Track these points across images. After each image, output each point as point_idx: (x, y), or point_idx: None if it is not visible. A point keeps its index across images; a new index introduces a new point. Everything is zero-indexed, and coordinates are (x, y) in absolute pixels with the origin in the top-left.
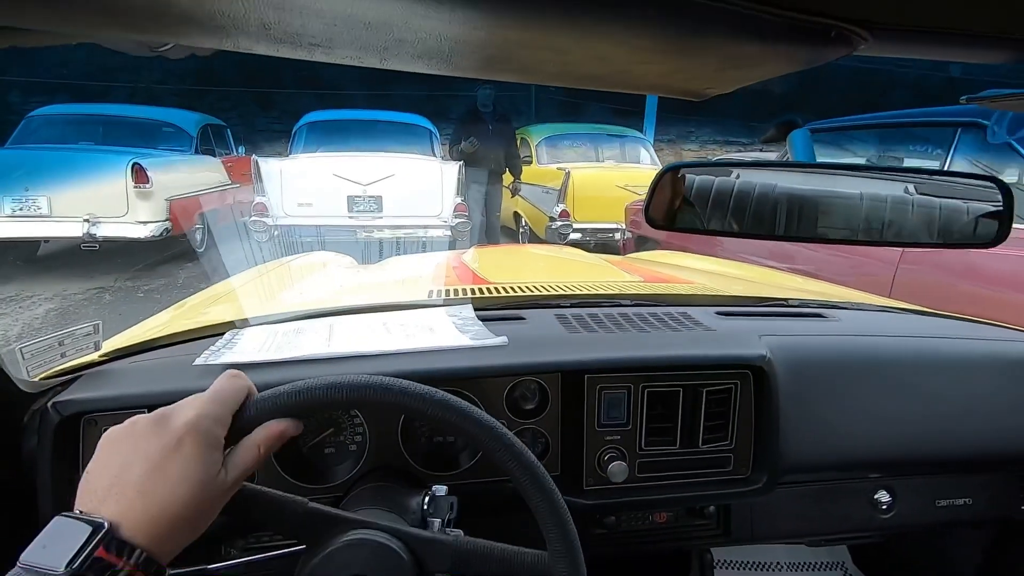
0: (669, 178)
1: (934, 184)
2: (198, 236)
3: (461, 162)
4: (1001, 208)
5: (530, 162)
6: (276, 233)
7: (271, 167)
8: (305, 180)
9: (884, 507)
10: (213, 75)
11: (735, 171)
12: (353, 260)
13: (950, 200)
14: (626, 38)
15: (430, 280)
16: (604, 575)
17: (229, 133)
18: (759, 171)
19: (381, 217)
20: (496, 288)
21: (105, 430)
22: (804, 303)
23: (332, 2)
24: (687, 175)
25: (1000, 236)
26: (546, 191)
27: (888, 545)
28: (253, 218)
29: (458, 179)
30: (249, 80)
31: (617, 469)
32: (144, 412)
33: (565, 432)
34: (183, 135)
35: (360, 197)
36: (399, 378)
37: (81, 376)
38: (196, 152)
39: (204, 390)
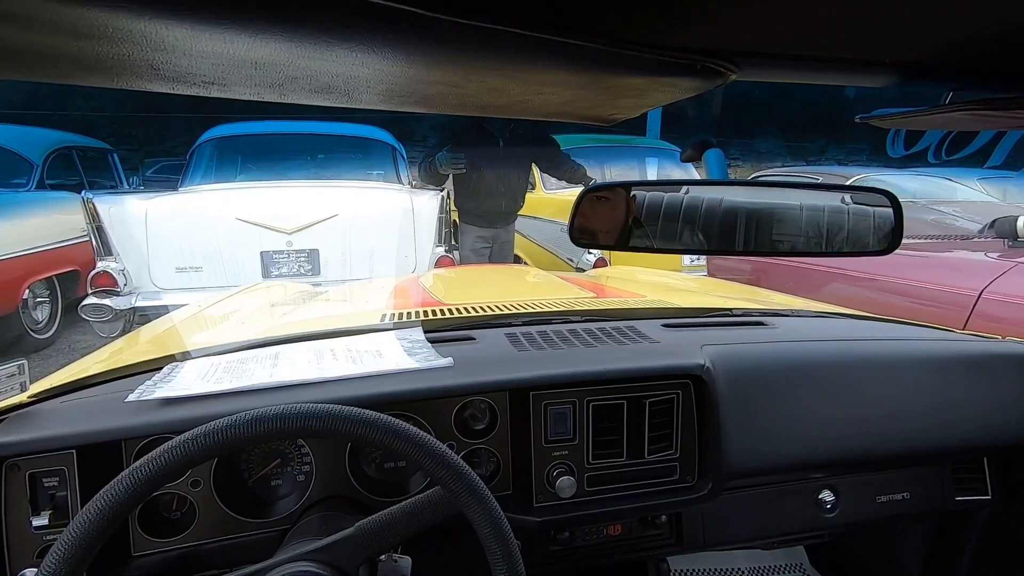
0: (591, 199)
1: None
2: (37, 314)
3: (443, 192)
4: (893, 220)
5: (533, 187)
6: (132, 318)
7: (126, 211)
8: (191, 229)
9: (828, 506)
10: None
11: (684, 188)
12: (307, 286)
13: (881, 209)
14: (514, 74)
15: (382, 304)
16: None
17: (115, 158)
18: (707, 188)
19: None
20: (448, 310)
21: (29, 474)
22: (746, 312)
23: (214, 44)
24: (636, 193)
25: (893, 244)
26: (562, 228)
27: (841, 544)
28: (89, 300)
29: (439, 217)
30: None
31: (565, 484)
32: (71, 453)
33: (515, 450)
34: (20, 163)
35: (282, 253)
36: (324, 404)
37: (6, 419)
38: (40, 188)
39: (137, 427)
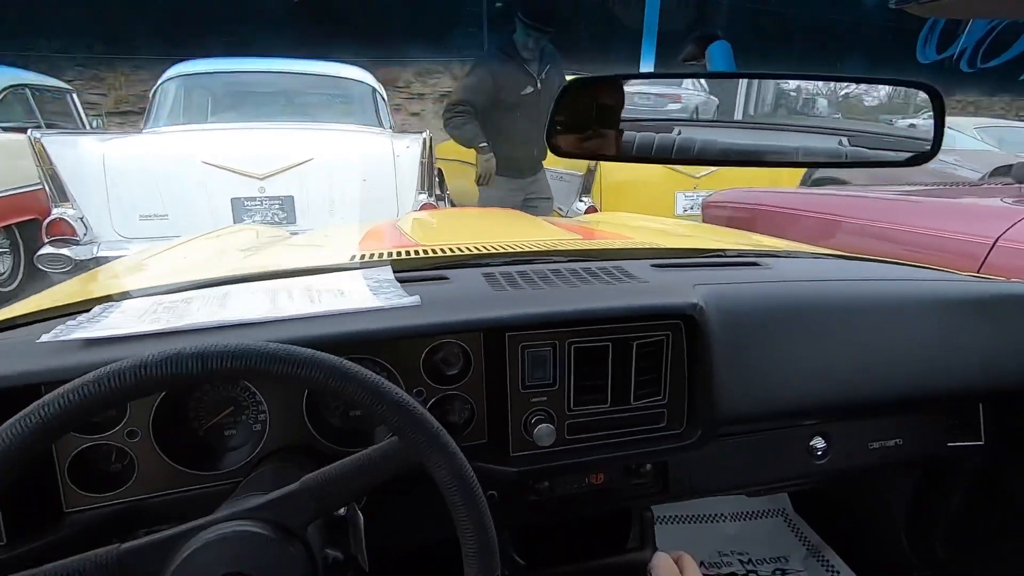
0: (573, 94)
1: (866, 137)
2: None
3: (425, 136)
4: (934, 121)
5: None
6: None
7: (83, 154)
8: (153, 174)
9: (820, 453)
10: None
11: (676, 128)
12: (281, 230)
13: (881, 151)
14: None
15: (355, 245)
16: (543, 542)
17: (74, 100)
18: (700, 128)
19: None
20: (422, 250)
21: None
22: (740, 253)
23: None
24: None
25: (935, 145)
26: (560, 177)
27: (825, 490)
28: (46, 250)
29: (422, 163)
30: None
31: (544, 432)
32: None
33: (491, 397)
34: None
35: (254, 200)
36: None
37: None
38: None
39: (45, 371)
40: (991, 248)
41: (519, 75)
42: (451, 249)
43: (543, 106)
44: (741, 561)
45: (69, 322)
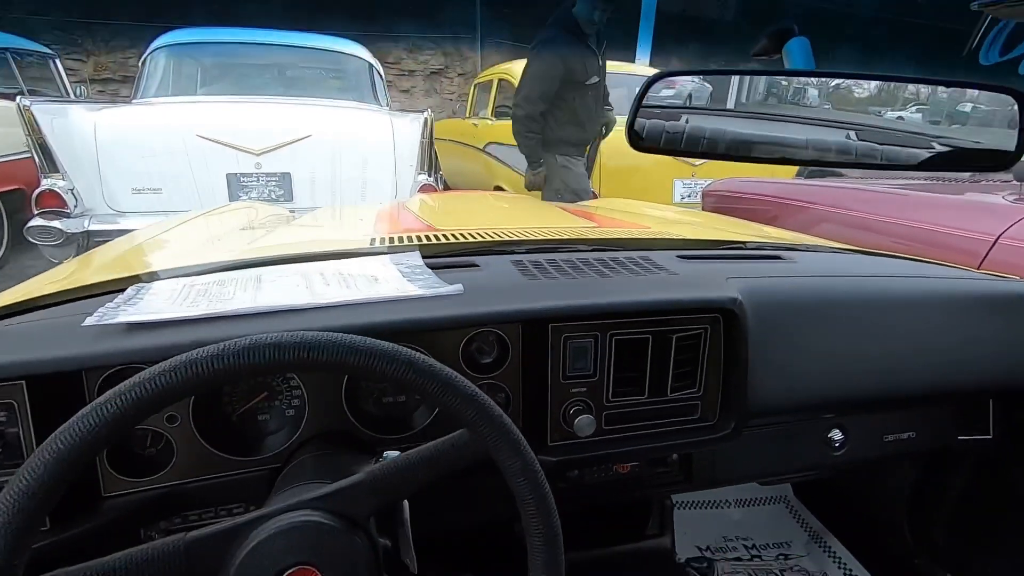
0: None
1: (873, 131)
2: None
3: (426, 115)
4: (1020, 124)
5: None
6: (85, 243)
7: (73, 123)
8: (147, 146)
9: (837, 444)
10: None
11: (684, 116)
12: (280, 209)
13: (890, 147)
14: None
15: (371, 228)
16: (565, 527)
17: (58, 65)
18: (708, 117)
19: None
20: (446, 234)
21: None
22: (760, 245)
23: None
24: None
25: (1016, 155)
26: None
27: (827, 478)
28: (35, 222)
29: (421, 143)
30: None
31: (584, 422)
32: (20, 384)
33: (527, 386)
34: None
35: (251, 176)
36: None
37: None
38: None
39: (98, 356)
40: (992, 245)
41: (585, 53)
42: (472, 235)
43: (602, 84)
44: (745, 546)
45: (108, 304)
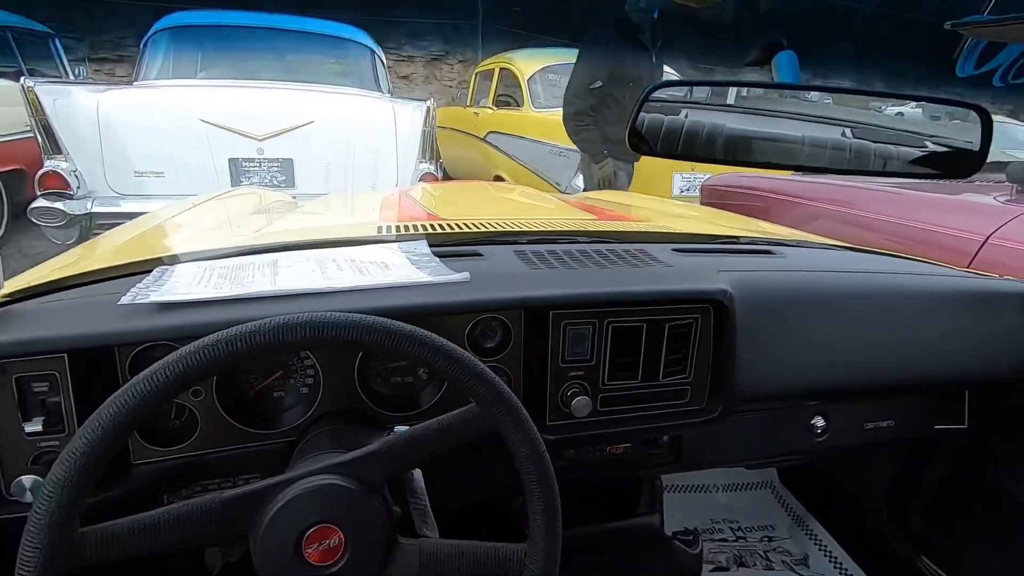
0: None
1: (869, 129)
2: None
3: (429, 104)
4: (981, 138)
5: (519, 104)
6: (88, 225)
7: (76, 104)
8: (150, 129)
9: (819, 431)
10: None
11: (684, 111)
12: (284, 195)
13: (883, 145)
14: None
15: (377, 216)
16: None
17: (57, 45)
18: (707, 111)
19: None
20: (450, 224)
21: (17, 378)
22: (753, 240)
23: None
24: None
25: (975, 165)
26: (559, 152)
27: (811, 464)
28: (39, 203)
29: (423, 131)
30: None
31: (581, 404)
32: (63, 357)
33: (528, 369)
34: None
35: (253, 162)
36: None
37: None
38: None
39: (135, 332)
40: (982, 245)
41: (635, 49)
42: (476, 224)
43: (657, 78)
44: (732, 528)
45: (139, 285)
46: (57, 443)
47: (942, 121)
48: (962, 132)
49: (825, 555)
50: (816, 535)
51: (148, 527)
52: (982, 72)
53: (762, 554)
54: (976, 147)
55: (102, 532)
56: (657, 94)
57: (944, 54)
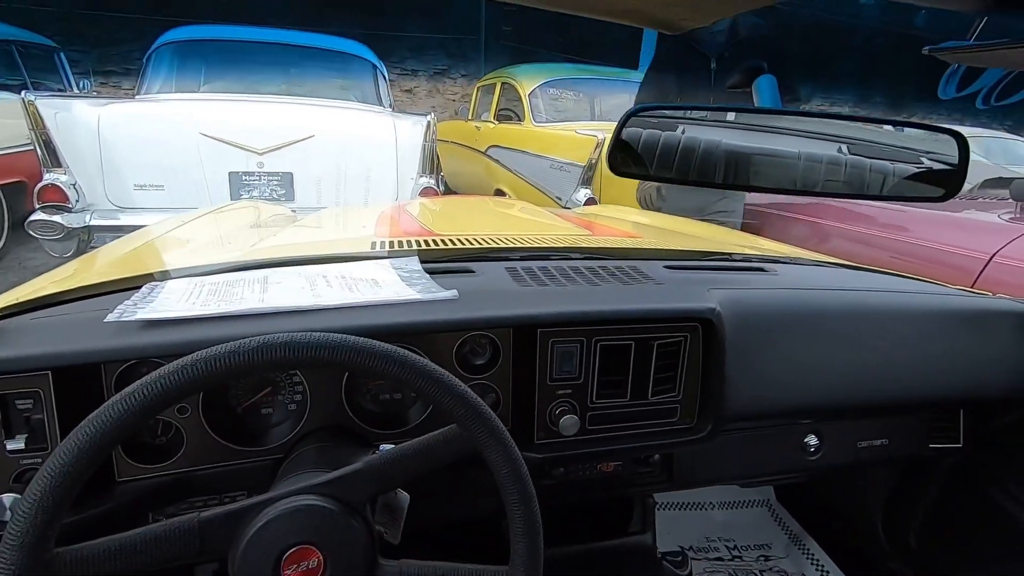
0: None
1: (864, 146)
2: None
3: (430, 118)
4: (957, 162)
5: (521, 119)
6: (87, 238)
7: (76, 118)
8: (150, 143)
9: (812, 450)
10: None
11: (680, 126)
12: (282, 209)
13: (878, 161)
14: None
15: (372, 231)
16: (550, 523)
17: (62, 58)
18: (704, 128)
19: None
20: (443, 240)
21: (0, 395)
22: (746, 257)
23: None
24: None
25: (953, 189)
26: (560, 167)
27: (807, 482)
28: (38, 216)
29: (423, 146)
30: None
31: (569, 422)
32: (47, 374)
33: (516, 387)
34: None
35: (253, 175)
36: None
37: None
38: None
39: (120, 349)
40: (987, 264)
41: (689, 60)
42: (469, 241)
43: (720, 95)
44: (727, 547)
45: (126, 302)
46: (39, 461)
47: (938, 141)
48: (949, 150)
49: (821, 574)
50: (813, 554)
51: (125, 547)
52: (964, 95)
53: (758, 573)
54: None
55: (78, 552)
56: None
57: (936, 76)
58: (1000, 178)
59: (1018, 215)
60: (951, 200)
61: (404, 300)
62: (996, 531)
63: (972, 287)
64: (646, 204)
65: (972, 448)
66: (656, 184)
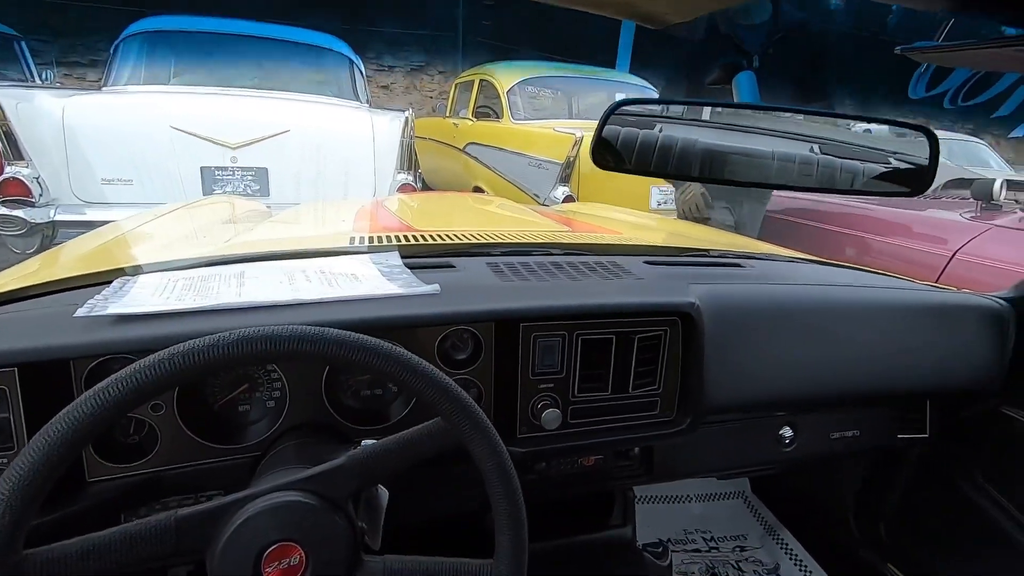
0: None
1: (836, 146)
2: None
3: (407, 114)
4: (927, 157)
5: (499, 116)
6: (51, 234)
7: (39, 109)
8: (117, 136)
9: (787, 441)
10: None
11: (658, 124)
12: (257, 204)
13: (848, 161)
14: None
15: (351, 226)
16: (532, 519)
17: (23, 48)
18: (680, 126)
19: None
20: (424, 235)
21: None
22: (723, 253)
23: None
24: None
25: (923, 184)
26: (538, 164)
27: (782, 475)
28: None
29: (401, 141)
30: None
31: (551, 416)
32: (13, 371)
33: (499, 381)
34: None
35: (226, 171)
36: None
37: None
38: None
39: (90, 345)
40: (949, 261)
41: (726, 55)
42: (450, 236)
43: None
44: (704, 538)
45: (97, 296)
46: (6, 461)
47: (908, 138)
48: (919, 148)
49: (796, 564)
50: (787, 544)
51: (99, 547)
52: (933, 95)
53: (734, 564)
54: (926, 163)
55: (48, 553)
56: (626, 109)
57: (907, 78)
58: (962, 179)
59: (978, 214)
60: (919, 199)
61: (385, 295)
62: (962, 519)
63: (936, 282)
64: (687, 215)
65: (938, 439)
66: (700, 191)
